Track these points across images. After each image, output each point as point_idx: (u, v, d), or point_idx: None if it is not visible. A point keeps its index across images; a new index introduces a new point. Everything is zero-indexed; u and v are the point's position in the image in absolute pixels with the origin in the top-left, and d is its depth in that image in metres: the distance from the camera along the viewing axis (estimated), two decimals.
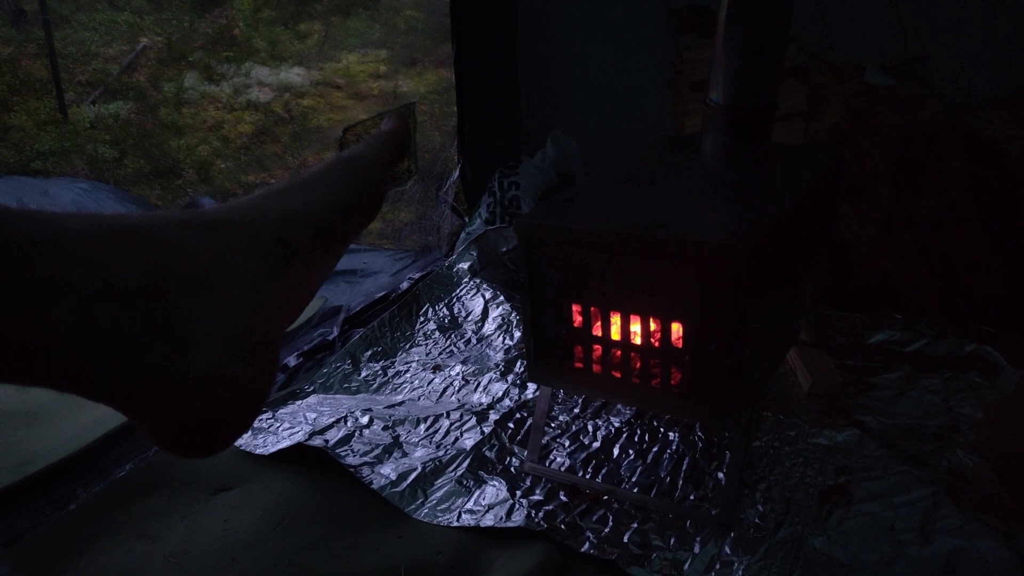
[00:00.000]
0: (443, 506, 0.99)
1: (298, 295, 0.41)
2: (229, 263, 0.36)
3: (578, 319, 0.94)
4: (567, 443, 1.10)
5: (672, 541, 0.90)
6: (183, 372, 0.33)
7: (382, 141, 0.50)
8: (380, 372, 1.35)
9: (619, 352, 0.94)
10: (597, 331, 0.94)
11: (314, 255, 0.41)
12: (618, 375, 0.95)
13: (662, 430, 1.11)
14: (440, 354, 1.40)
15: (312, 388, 1.28)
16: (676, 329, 0.89)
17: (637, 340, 0.91)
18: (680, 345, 0.88)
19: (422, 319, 1.51)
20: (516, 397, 1.22)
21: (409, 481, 1.02)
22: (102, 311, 0.31)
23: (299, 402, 1.22)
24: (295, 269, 0.39)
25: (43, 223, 0.31)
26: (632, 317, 0.91)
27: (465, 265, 1.62)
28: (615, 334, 0.92)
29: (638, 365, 0.93)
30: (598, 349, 0.95)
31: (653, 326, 0.90)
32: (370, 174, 0.47)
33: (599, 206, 1.00)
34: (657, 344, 0.90)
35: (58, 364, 0.31)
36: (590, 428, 1.13)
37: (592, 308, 0.93)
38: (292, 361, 1.38)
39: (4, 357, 0.30)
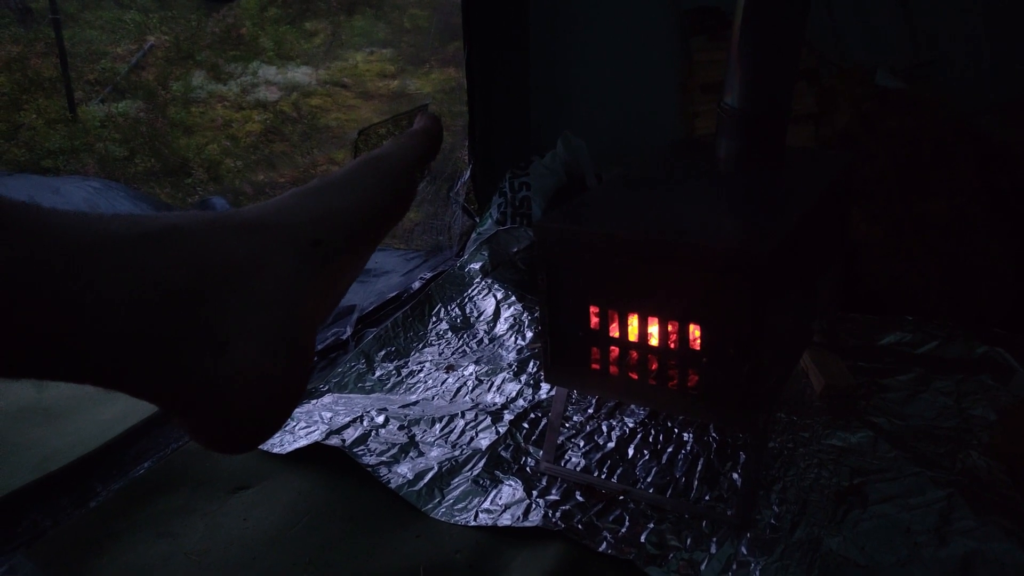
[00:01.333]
0: (460, 505, 0.99)
1: (331, 296, 0.42)
2: (265, 265, 0.37)
3: (595, 321, 0.95)
4: (582, 443, 1.11)
5: (689, 541, 0.91)
6: (223, 372, 0.34)
7: (413, 140, 0.50)
8: (394, 372, 1.36)
9: (636, 354, 0.94)
10: (614, 333, 0.95)
11: (346, 256, 0.42)
12: (635, 376, 0.95)
13: (676, 431, 1.12)
14: (453, 354, 1.41)
15: (327, 387, 1.29)
16: (693, 332, 0.89)
17: (654, 342, 0.92)
18: (697, 348, 0.89)
19: (434, 319, 1.52)
20: (530, 397, 1.23)
21: (426, 480, 1.03)
22: (146, 313, 0.32)
23: (314, 401, 1.23)
24: (328, 270, 0.40)
25: (88, 227, 0.32)
26: (649, 320, 0.92)
27: (476, 265, 1.63)
28: (632, 336, 0.93)
29: (655, 367, 0.94)
30: (615, 351, 0.96)
31: (670, 329, 0.91)
32: (400, 174, 0.47)
33: (616, 210, 1.01)
34: (674, 346, 0.91)
35: (103, 364, 0.32)
36: (604, 429, 1.14)
37: (609, 310, 0.94)
38: None
39: (53, 357, 0.31)
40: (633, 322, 0.93)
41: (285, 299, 0.37)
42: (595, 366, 0.98)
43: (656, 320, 0.91)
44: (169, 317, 0.33)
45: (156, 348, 0.33)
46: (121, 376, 0.33)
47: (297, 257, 0.38)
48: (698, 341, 0.89)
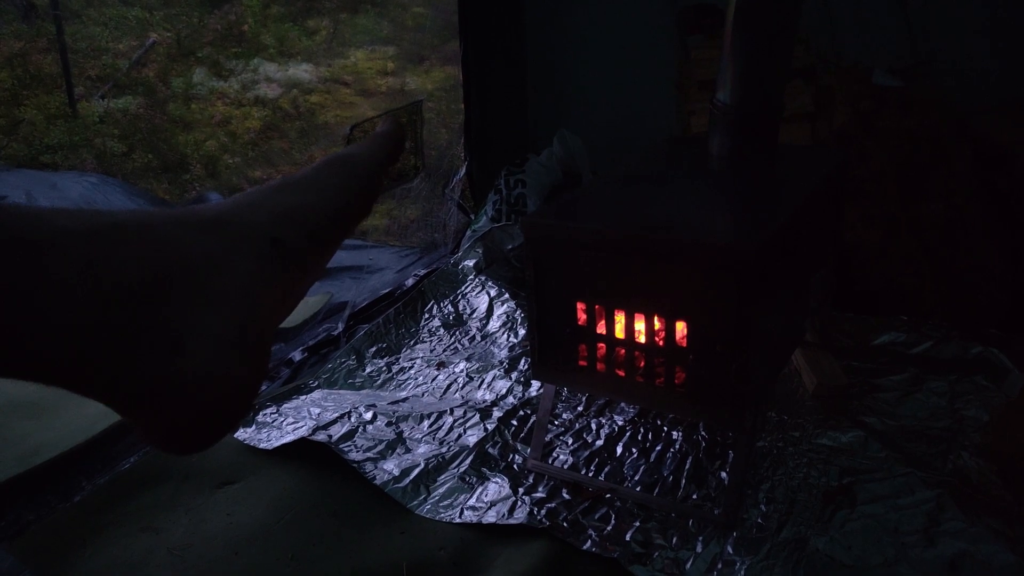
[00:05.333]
0: (445, 502, 0.99)
1: (291, 296, 0.41)
2: (224, 264, 0.36)
3: (583, 317, 0.95)
4: (570, 441, 1.10)
5: (674, 540, 0.90)
6: (177, 371, 0.33)
7: (377, 143, 0.50)
8: (384, 368, 1.35)
9: (623, 351, 0.94)
10: (602, 329, 0.94)
11: (307, 256, 0.41)
12: (622, 374, 0.95)
13: (665, 429, 1.11)
14: (444, 351, 1.40)
15: (316, 383, 1.28)
16: (681, 329, 0.88)
17: (642, 339, 0.91)
18: (684, 345, 0.88)
19: (427, 316, 1.51)
20: (520, 394, 1.23)
21: (412, 477, 1.03)
22: (96, 310, 0.31)
23: (303, 397, 1.23)
24: (288, 270, 0.39)
25: (34, 219, 0.31)
26: (637, 316, 0.91)
27: (470, 262, 1.62)
28: (619, 332, 0.93)
29: (642, 364, 0.93)
30: (602, 347, 0.95)
31: (657, 325, 0.90)
32: (364, 175, 0.46)
33: (605, 206, 1.00)
34: (661, 343, 0.90)
35: (50, 361, 0.31)
36: (593, 426, 1.13)
37: (597, 306, 0.93)
38: (297, 356, 1.38)
39: None
40: (620, 319, 0.92)
41: (242, 299, 0.36)
42: (582, 363, 0.97)
43: (643, 317, 0.90)
44: (120, 313, 0.32)
45: (106, 345, 0.32)
46: (70, 373, 0.32)
47: (256, 256, 0.38)
48: (685, 338, 0.88)
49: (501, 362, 1.33)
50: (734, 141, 1.09)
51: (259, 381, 0.37)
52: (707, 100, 1.12)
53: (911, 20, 1.61)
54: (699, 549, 0.89)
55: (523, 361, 1.32)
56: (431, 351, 1.41)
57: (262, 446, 1.09)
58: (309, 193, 0.42)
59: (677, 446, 1.07)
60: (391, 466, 1.05)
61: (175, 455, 0.36)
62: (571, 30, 1.95)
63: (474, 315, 1.51)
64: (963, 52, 1.60)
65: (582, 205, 1.00)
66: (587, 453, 1.07)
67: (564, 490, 1.00)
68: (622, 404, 1.17)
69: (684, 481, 1.00)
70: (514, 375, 1.28)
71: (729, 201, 1.02)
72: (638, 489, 0.99)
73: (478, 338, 1.44)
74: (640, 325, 0.91)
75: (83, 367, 0.31)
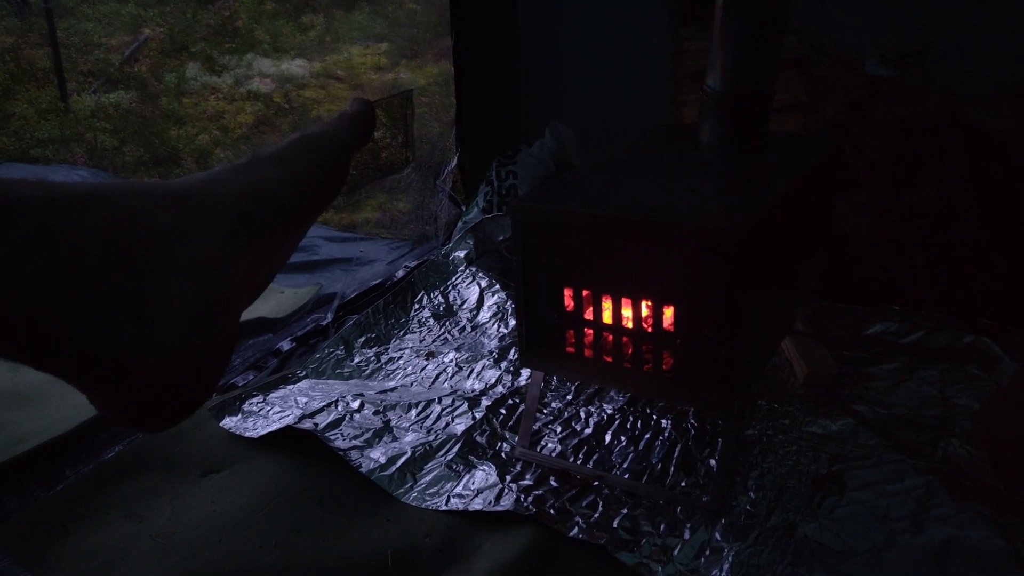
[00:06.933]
0: (432, 490, 0.98)
1: (260, 272, 0.41)
2: (190, 237, 0.35)
3: (570, 303, 0.94)
4: (559, 429, 1.09)
5: (662, 527, 0.90)
6: (140, 345, 0.32)
7: (347, 121, 0.49)
8: (373, 358, 1.34)
9: (611, 336, 0.93)
10: (589, 315, 0.93)
11: (277, 232, 0.40)
12: (610, 360, 0.94)
13: (655, 417, 1.10)
14: (434, 341, 1.39)
15: (304, 373, 1.28)
16: (668, 314, 0.88)
17: (629, 324, 0.91)
18: (672, 329, 0.88)
19: (417, 306, 1.50)
20: (509, 384, 1.22)
21: (398, 465, 1.02)
22: (56, 281, 0.30)
23: (291, 386, 1.22)
24: (258, 245, 0.39)
25: None
26: (624, 301, 0.90)
27: (461, 253, 1.61)
28: (607, 318, 0.92)
29: (630, 350, 0.92)
30: (590, 333, 0.94)
31: (645, 310, 0.89)
32: (334, 152, 0.46)
33: (594, 191, 0.99)
34: (649, 329, 0.89)
35: (9, 331, 0.30)
36: (582, 415, 1.12)
37: (584, 292, 0.92)
38: (285, 346, 1.37)
39: None
40: (608, 304, 0.91)
41: (209, 273, 0.35)
42: (570, 349, 0.96)
43: (630, 302, 0.90)
44: (81, 285, 0.31)
45: (66, 317, 0.31)
46: (29, 344, 0.31)
47: (224, 230, 0.37)
48: (673, 323, 0.87)
49: (491, 352, 1.32)
50: (724, 128, 1.09)
51: (225, 357, 0.37)
52: (699, 91, 1.11)
53: (904, 9, 1.60)
54: (687, 536, 0.88)
55: (513, 351, 1.32)
56: (420, 341, 1.40)
57: (247, 434, 1.08)
58: (279, 169, 0.42)
59: (666, 434, 1.06)
60: (377, 454, 1.04)
61: (138, 431, 0.35)
62: (564, 21, 1.94)
63: (464, 306, 1.50)
64: (956, 41, 1.59)
65: (570, 189, 0.99)
66: (575, 441, 1.06)
67: (552, 478, 0.99)
68: (611, 393, 1.16)
69: (673, 469, 1.00)
70: (503, 365, 1.27)
71: (718, 186, 1.01)
72: (626, 477, 0.98)
73: (468, 328, 1.43)
74: (628, 311, 0.90)
75: (43, 337, 0.30)
